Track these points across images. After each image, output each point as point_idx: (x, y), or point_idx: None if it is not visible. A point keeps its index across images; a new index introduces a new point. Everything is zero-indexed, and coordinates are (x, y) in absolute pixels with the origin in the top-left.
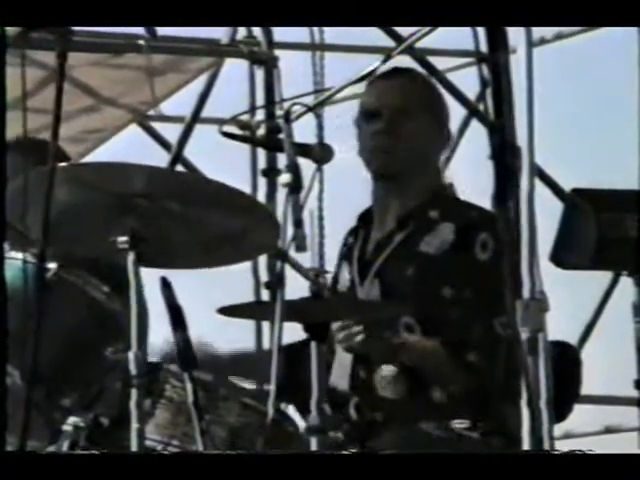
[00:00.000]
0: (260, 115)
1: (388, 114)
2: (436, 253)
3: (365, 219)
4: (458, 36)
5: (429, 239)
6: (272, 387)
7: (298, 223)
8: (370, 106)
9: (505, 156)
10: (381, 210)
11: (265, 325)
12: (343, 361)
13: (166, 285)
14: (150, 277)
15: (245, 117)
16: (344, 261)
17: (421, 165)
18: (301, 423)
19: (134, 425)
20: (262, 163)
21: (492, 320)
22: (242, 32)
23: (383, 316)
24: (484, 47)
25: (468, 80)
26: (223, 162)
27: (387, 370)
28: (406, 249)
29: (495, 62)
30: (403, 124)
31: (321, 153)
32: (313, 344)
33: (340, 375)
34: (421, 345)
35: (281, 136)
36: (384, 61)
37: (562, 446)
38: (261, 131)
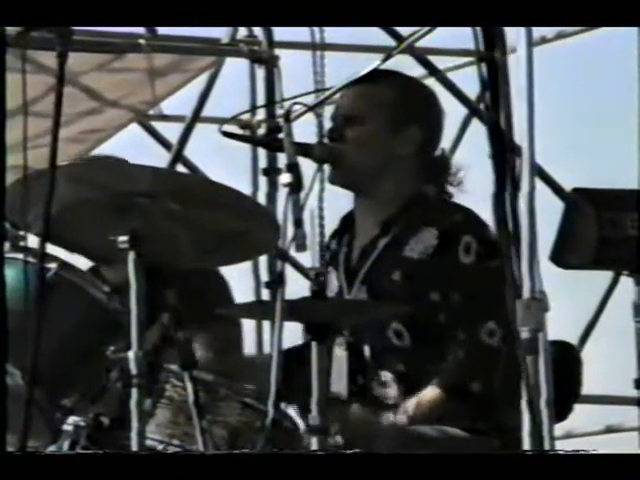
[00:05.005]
0: (261, 114)
1: (337, 122)
2: (420, 258)
3: (348, 222)
4: (459, 35)
5: (413, 244)
6: (272, 387)
7: (298, 223)
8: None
9: (505, 155)
10: (361, 218)
11: (266, 325)
12: (340, 367)
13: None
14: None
15: (246, 116)
16: (330, 267)
17: (385, 170)
18: (301, 423)
19: (135, 424)
20: (263, 162)
21: (477, 327)
22: (243, 31)
23: (382, 316)
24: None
25: (469, 80)
26: (224, 161)
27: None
28: (391, 254)
29: (492, 60)
30: (350, 131)
31: (321, 153)
32: (314, 344)
33: (338, 381)
34: (424, 406)
35: (281, 136)
36: (384, 60)
37: (563, 446)
38: (262, 130)
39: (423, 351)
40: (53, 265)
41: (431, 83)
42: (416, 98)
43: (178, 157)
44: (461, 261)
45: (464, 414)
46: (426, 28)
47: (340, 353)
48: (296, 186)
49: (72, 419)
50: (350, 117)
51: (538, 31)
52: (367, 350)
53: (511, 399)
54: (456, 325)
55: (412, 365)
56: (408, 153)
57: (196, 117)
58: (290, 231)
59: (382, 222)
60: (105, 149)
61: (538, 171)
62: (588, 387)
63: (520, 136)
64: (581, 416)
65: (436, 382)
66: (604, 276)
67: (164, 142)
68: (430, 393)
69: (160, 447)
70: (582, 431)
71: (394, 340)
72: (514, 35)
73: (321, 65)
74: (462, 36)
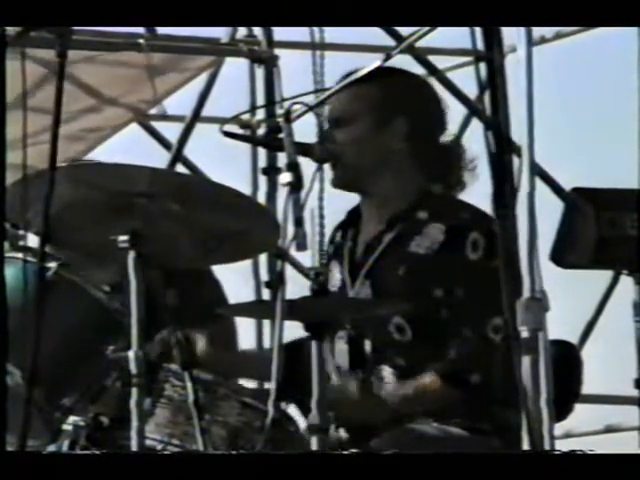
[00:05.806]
0: (260, 114)
1: (329, 125)
2: (426, 253)
3: (354, 216)
4: (459, 35)
5: (419, 240)
6: (273, 386)
7: (298, 222)
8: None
9: (503, 154)
10: (367, 215)
11: (266, 324)
12: (341, 364)
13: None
14: None
15: (246, 116)
16: (334, 260)
17: (381, 166)
18: (302, 422)
19: (134, 424)
20: (263, 162)
21: (484, 323)
22: (242, 31)
23: (382, 314)
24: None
25: (469, 79)
26: (223, 161)
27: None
28: (396, 250)
29: (490, 60)
30: (340, 133)
31: (321, 152)
32: (314, 343)
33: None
34: (421, 389)
35: (281, 135)
36: (384, 60)
37: (562, 445)
38: (262, 130)
39: (424, 346)
40: (52, 264)
41: (431, 83)
42: (398, 89)
43: (178, 157)
44: (468, 257)
45: (461, 404)
46: (426, 28)
47: (341, 347)
48: (296, 185)
49: (71, 419)
50: (338, 119)
51: (537, 31)
52: (368, 344)
53: (511, 397)
54: (459, 321)
55: (412, 360)
56: (400, 147)
57: (196, 117)
58: (290, 230)
59: (388, 219)
60: (105, 148)
61: (538, 171)
62: (588, 387)
63: (520, 136)
64: (581, 416)
65: (436, 368)
66: (604, 276)
67: (164, 142)
68: (428, 378)
69: (159, 447)
70: (582, 431)
71: (395, 335)
72: (513, 35)
73: (321, 65)
74: (462, 36)
